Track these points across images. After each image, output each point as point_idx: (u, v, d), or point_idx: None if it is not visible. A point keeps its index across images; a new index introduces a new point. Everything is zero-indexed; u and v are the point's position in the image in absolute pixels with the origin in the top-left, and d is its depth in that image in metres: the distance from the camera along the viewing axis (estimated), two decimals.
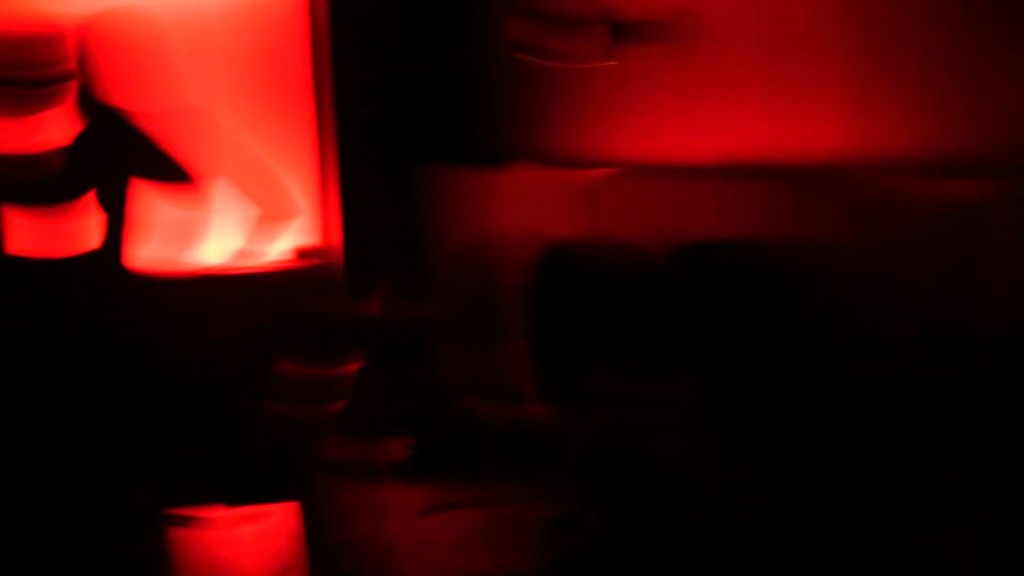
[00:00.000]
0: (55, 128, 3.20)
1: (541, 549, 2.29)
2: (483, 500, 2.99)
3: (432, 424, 3.35)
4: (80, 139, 3.21)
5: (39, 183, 3.22)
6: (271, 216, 3.28)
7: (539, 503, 2.92)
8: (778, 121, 2.60)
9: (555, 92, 3.61)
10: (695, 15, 2.85)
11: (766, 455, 1.70)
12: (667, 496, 1.59)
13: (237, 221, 3.47)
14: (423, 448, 3.33)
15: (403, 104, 4.24)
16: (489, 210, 3.65)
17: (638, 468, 1.63)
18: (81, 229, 3.29)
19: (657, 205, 2.72)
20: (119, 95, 3.23)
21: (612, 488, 1.63)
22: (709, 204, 2.53)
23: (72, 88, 3.23)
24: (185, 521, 2.81)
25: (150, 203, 3.18)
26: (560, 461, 3.10)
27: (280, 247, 3.43)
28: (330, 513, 3.66)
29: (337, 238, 4.32)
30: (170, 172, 3.21)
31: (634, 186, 2.87)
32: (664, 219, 2.68)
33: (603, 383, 1.75)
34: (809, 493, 1.74)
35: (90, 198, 3.25)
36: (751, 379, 1.88)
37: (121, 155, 3.18)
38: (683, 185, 2.67)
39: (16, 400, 2.89)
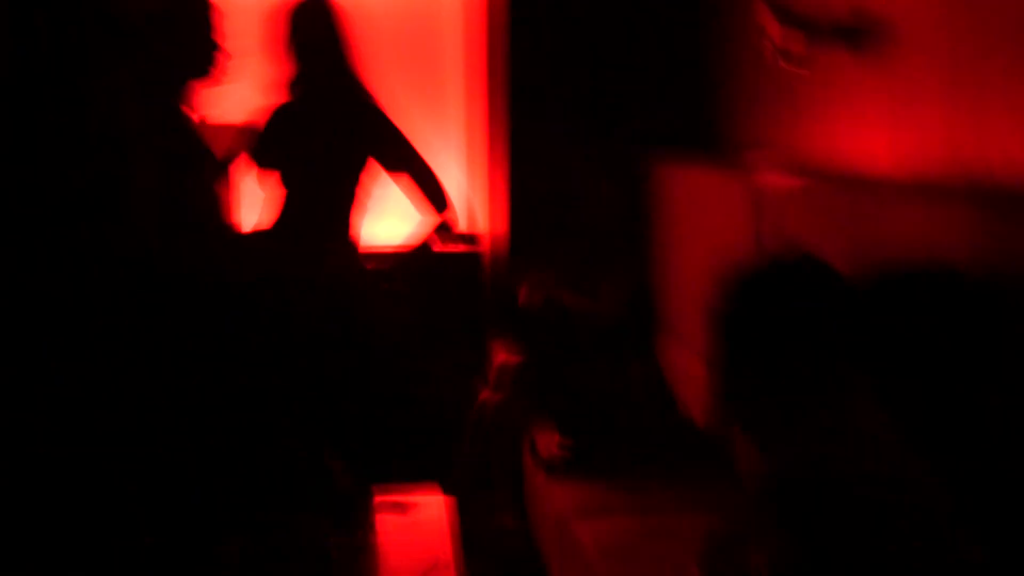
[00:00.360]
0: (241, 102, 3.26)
1: (700, 564, 2.20)
2: (641, 507, 2.91)
3: (591, 424, 3.29)
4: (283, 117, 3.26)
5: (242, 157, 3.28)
6: (437, 206, 3.28)
7: (701, 516, 2.83)
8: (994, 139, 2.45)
9: (776, 96, 3.51)
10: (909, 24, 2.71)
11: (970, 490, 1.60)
12: (864, 526, 1.49)
13: (405, 208, 3.47)
14: (581, 447, 3.27)
15: (588, 94, 4.19)
16: (694, 212, 3.58)
17: (832, 494, 1.53)
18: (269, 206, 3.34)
19: (852, 220, 2.59)
20: (311, 75, 3.27)
21: (799, 513, 1.53)
22: (913, 224, 2.39)
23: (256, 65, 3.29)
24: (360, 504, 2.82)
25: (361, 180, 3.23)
26: (736, 479, 3.01)
27: (445, 234, 3.41)
28: (484, 508, 3.65)
29: (503, 228, 4.29)
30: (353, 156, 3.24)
31: (829, 198, 2.75)
32: (858, 236, 2.55)
33: (797, 406, 1.66)
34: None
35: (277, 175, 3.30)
36: (957, 410, 1.77)
37: (317, 136, 3.22)
38: (881, 201, 2.54)
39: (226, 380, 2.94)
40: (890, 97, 2.74)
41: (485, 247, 4.34)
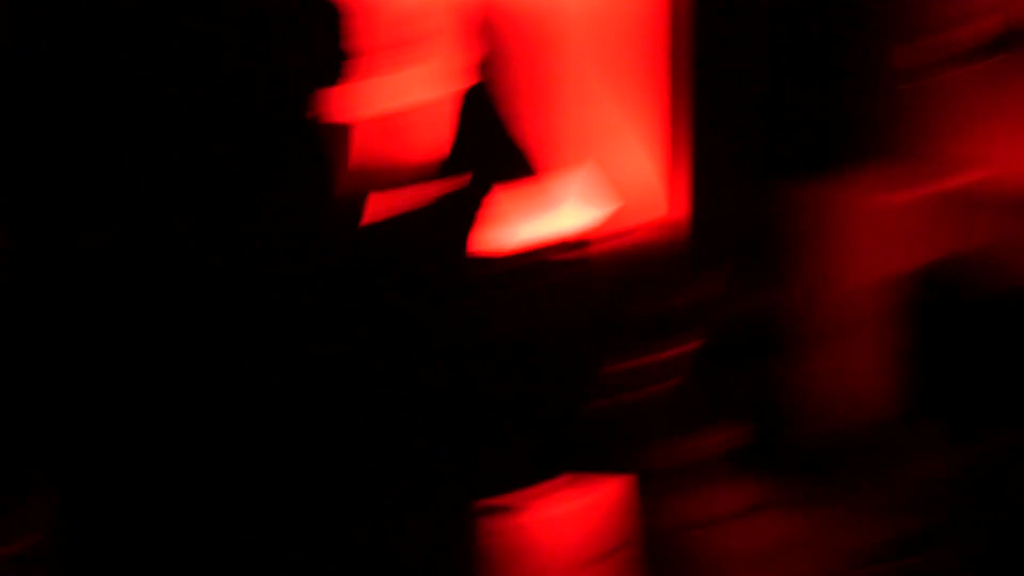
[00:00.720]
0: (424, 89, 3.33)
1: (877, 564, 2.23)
2: (815, 505, 2.94)
3: (764, 419, 3.31)
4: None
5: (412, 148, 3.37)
6: (622, 196, 3.31)
7: (866, 516, 2.85)
8: None
9: (928, 106, 3.47)
10: None
11: None
12: None
13: (588, 197, 3.52)
14: (753, 443, 3.30)
15: (768, 99, 4.18)
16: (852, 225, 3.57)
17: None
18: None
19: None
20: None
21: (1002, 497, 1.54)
22: None
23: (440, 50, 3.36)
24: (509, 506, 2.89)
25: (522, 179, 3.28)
26: (923, 478, 3.01)
27: (624, 220, 3.45)
28: (651, 501, 3.70)
29: (683, 213, 4.32)
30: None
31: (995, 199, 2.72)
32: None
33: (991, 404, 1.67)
34: None
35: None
36: None
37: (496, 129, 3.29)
38: None
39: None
40: None
41: (667, 237, 4.37)
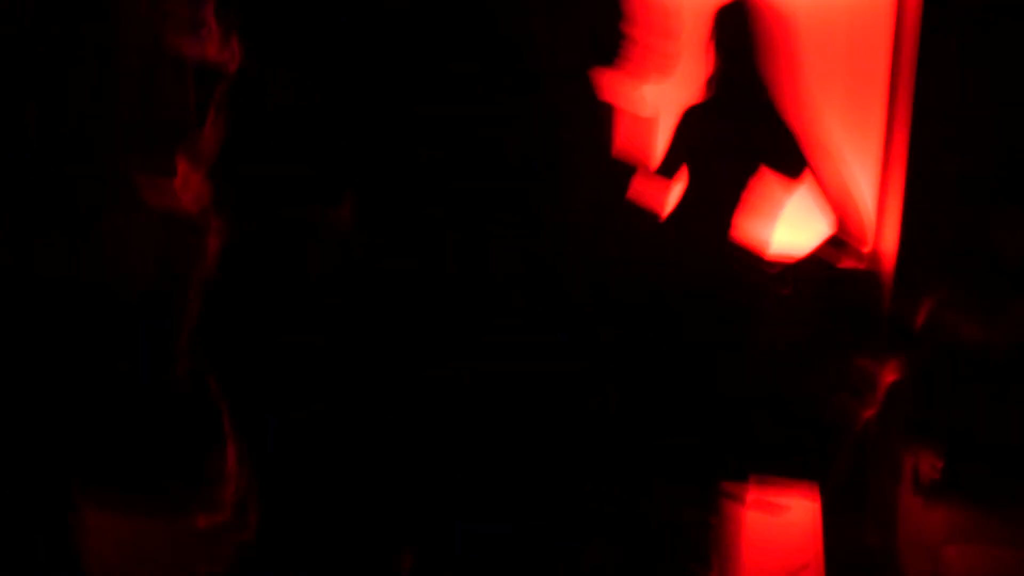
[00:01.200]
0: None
1: None
2: (1016, 538, 2.85)
3: (972, 450, 3.23)
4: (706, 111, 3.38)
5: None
6: (843, 225, 3.29)
7: None
8: None
9: None
10: None
11: None
12: None
13: (809, 221, 3.52)
14: (953, 469, 3.23)
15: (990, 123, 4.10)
16: None
17: None
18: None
19: None
20: (754, 75, 3.36)
21: None
22: None
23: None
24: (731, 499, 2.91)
25: (761, 185, 3.30)
26: None
27: (840, 248, 3.43)
28: (852, 524, 3.65)
29: (892, 245, 4.26)
30: (781, 158, 3.30)
31: None
32: None
33: None
34: None
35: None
36: None
37: (715, 138, 3.32)
38: None
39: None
40: None
41: (883, 264, 4.32)
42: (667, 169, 3.53)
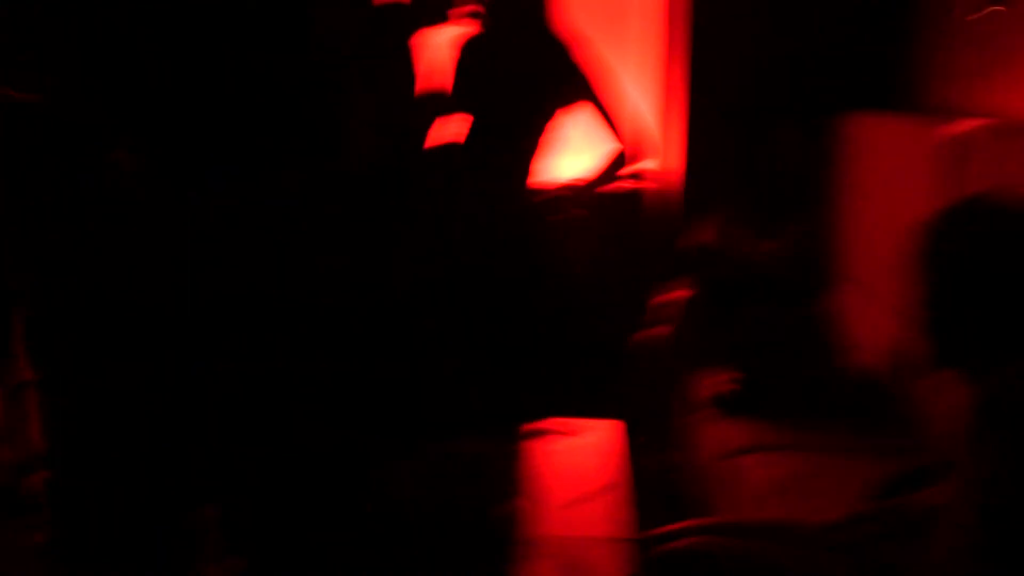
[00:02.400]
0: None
1: (868, 506, 2.21)
2: (808, 446, 2.92)
3: (760, 363, 3.29)
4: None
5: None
6: (626, 146, 3.27)
7: (868, 457, 2.84)
8: None
9: (952, 42, 3.44)
10: None
11: None
12: None
13: (593, 144, 3.50)
14: (749, 384, 3.28)
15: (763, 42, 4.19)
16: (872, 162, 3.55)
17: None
18: None
19: None
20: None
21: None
22: None
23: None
24: (530, 433, 2.90)
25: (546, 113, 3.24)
26: (908, 423, 3.02)
27: (623, 168, 3.42)
28: (652, 439, 3.70)
29: (679, 164, 4.31)
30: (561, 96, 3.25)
31: (1006, 142, 2.70)
32: None
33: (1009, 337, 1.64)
34: None
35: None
36: None
37: (506, 68, 3.24)
38: None
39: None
40: None
41: (663, 184, 4.36)
42: (453, 104, 3.44)
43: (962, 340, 1.74)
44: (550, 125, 3.27)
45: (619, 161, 3.29)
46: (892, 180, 3.38)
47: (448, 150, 3.34)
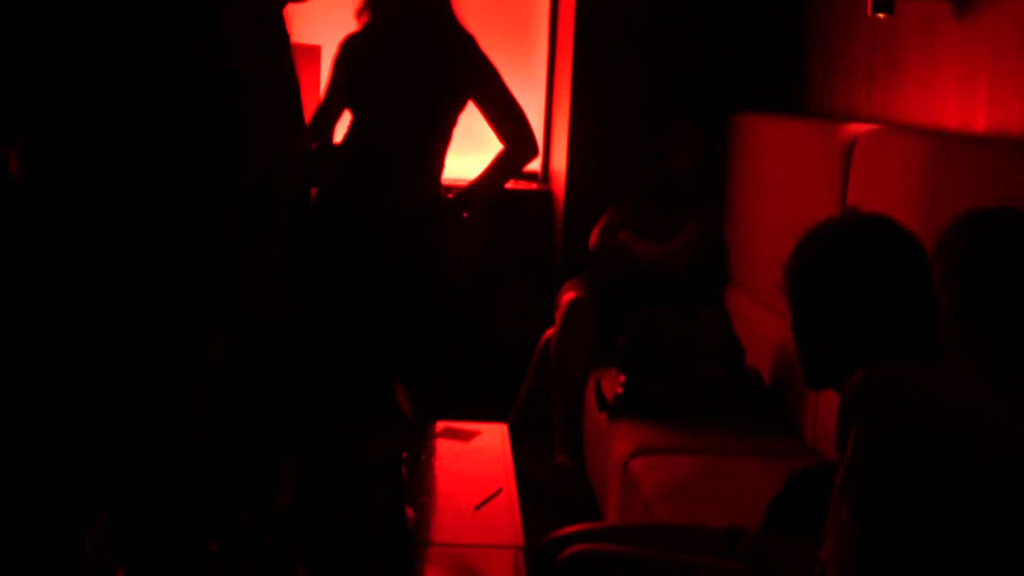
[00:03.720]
0: None
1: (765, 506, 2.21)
2: (699, 449, 2.92)
3: (652, 366, 3.29)
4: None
5: None
6: (513, 149, 3.21)
7: (759, 461, 2.84)
8: None
9: (844, 46, 3.49)
10: None
11: None
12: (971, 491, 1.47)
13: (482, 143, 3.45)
14: (637, 387, 3.27)
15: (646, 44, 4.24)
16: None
17: (934, 456, 1.51)
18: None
19: (918, 168, 2.58)
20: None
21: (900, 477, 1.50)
22: (977, 172, 2.39)
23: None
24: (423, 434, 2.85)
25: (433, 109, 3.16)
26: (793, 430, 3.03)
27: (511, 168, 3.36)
28: (541, 446, 3.67)
29: (561, 165, 4.31)
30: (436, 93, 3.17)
31: (897, 146, 2.74)
32: (922, 184, 2.55)
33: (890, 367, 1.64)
34: None
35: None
36: None
37: (411, 64, 3.14)
38: (949, 150, 2.54)
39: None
40: (992, 51, 2.69)
41: (559, 188, 4.35)
42: (332, 102, 3.33)
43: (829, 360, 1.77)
44: (440, 122, 3.19)
45: (508, 160, 3.24)
46: (784, 181, 3.41)
47: (339, 149, 3.26)
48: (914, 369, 1.63)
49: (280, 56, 2.56)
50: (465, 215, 3.20)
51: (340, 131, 3.34)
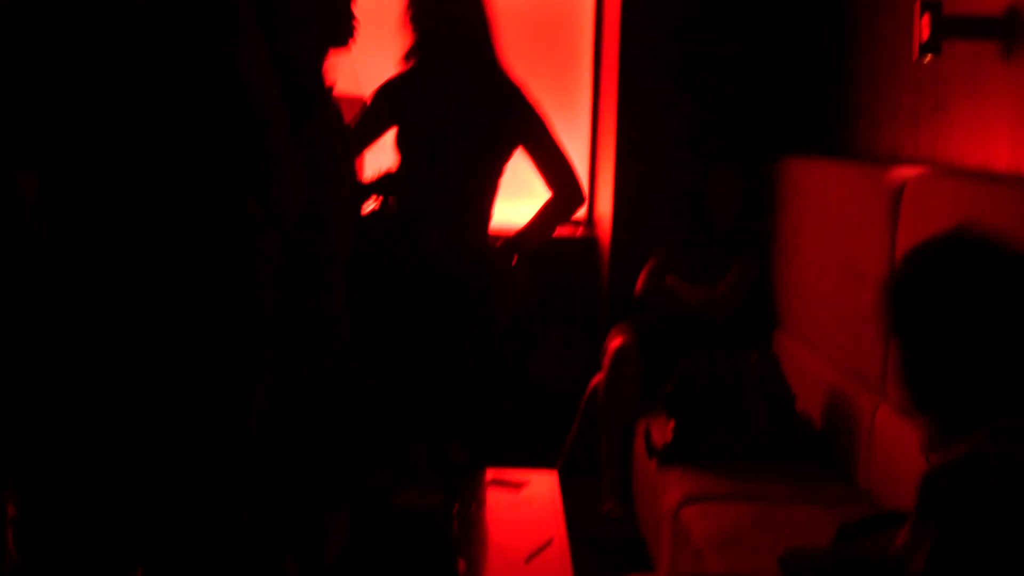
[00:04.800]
0: None
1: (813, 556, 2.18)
2: (750, 497, 2.89)
3: (701, 412, 3.26)
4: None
5: None
6: (561, 196, 3.21)
7: (811, 508, 2.81)
8: None
9: (891, 89, 3.47)
10: None
11: None
12: None
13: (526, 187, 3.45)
14: (685, 434, 3.25)
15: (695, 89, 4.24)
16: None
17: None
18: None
19: (970, 211, 2.56)
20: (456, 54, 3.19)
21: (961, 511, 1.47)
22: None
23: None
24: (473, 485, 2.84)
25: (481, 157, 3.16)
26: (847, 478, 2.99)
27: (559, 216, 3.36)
28: (591, 493, 3.64)
29: (606, 211, 4.31)
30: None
31: (948, 189, 2.71)
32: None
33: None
34: None
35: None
36: None
37: (460, 112, 3.13)
38: (1000, 192, 2.51)
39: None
40: None
41: (605, 234, 4.35)
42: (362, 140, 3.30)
43: (937, 386, 1.70)
44: (489, 169, 3.20)
45: (556, 208, 3.24)
46: (831, 225, 3.39)
47: (384, 187, 3.25)
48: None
49: (315, 107, 2.58)
50: (513, 263, 3.20)
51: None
